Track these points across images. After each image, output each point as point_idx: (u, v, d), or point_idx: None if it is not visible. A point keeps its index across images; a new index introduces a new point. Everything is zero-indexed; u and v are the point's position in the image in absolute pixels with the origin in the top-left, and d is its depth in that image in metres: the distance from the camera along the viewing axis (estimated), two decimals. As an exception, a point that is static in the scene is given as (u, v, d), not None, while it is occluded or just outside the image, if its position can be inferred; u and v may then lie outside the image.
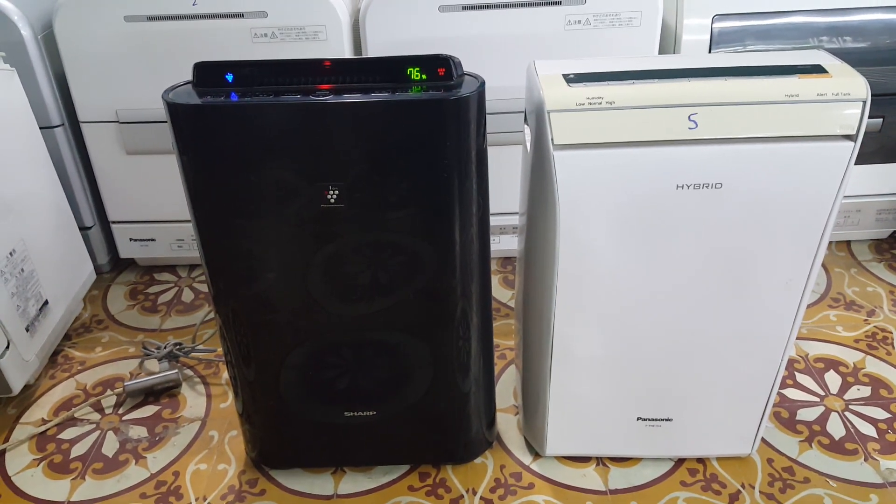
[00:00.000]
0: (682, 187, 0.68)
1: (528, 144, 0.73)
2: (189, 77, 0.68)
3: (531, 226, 0.77)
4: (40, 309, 1.01)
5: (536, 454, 0.91)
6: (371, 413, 0.83)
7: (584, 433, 0.87)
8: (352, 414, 0.83)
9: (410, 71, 0.67)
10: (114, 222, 1.24)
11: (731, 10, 1.06)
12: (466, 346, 0.80)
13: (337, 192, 0.66)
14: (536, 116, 0.68)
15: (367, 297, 0.75)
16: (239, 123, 0.65)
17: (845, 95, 0.66)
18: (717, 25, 1.06)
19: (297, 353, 0.79)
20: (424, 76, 0.67)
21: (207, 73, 0.67)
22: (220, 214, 0.70)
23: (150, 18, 1.06)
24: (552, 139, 0.66)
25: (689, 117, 0.65)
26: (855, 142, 0.66)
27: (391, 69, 0.67)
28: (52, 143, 1.13)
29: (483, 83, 0.66)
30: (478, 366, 0.83)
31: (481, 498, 0.85)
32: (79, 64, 1.10)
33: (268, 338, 0.78)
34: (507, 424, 0.95)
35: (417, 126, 0.65)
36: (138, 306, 1.22)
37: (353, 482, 0.87)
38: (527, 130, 0.75)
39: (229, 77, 0.67)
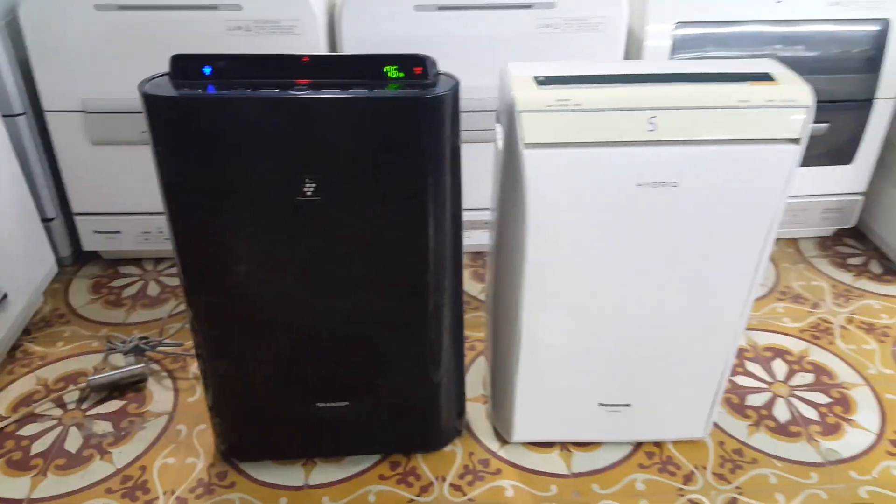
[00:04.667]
0: (642, 185, 0.72)
1: (500, 142, 0.76)
2: (164, 69, 0.69)
3: (502, 221, 0.80)
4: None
5: (504, 441, 0.94)
6: (343, 404, 0.85)
7: (549, 420, 0.91)
8: (324, 405, 0.85)
9: (387, 69, 0.69)
10: (77, 214, 1.22)
11: (692, 19, 1.11)
12: (438, 338, 0.83)
13: (314, 185, 0.68)
14: (508, 116, 0.71)
15: (342, 290, 0.77)
16: (216, 116, 0.66)
17: (791, 102, 0.71)
18: (679, 32, 1.11)
19: (269, 345, 0.81)
20: (401, 74, 0.69)
21: (185, 66, 0.69)
22: (194, 207, 0.71)
23: (122, 7, 1.05)
24: (523, 138, 0.70)
25: (649, 120, 0.69)
26: (799, 145, 0.71)
27: (368, 66, 0.69)
28: (14, 131, 1.11)
29: (458, 83, 0.69)
30: (449, 357, 0.86)
31: (451, 484, 0.88)
32: (44, 52, 1.08)
33: (240, 330, 0.80)
34: (477, 413, 0.98)
35: (394, 123, 0.67)
36: (102, 300, 1.21)
37: (323, 473, 0.89)
38: (498, 129, 0.78)
39: (207, 70, 0.68)
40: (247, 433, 0.88)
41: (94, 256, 1.31)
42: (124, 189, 1.20)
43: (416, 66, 0.69)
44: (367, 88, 0.67)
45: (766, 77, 0.73)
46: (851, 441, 0.95)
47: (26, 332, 1.12)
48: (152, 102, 0.65)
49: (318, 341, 0.81)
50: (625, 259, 0.77)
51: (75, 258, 1.30)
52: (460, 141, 0.72)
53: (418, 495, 0.86)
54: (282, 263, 0.74)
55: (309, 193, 0.69)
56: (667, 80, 0.71)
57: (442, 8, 1.07)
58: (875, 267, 1.32)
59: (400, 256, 0.75)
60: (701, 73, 0.73)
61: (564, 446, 0.93)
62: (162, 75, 0.69)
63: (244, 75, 0.68)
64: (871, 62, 1.17)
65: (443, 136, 0.69)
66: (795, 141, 0.72)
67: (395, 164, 0.69)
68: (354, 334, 0.81)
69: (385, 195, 0.70)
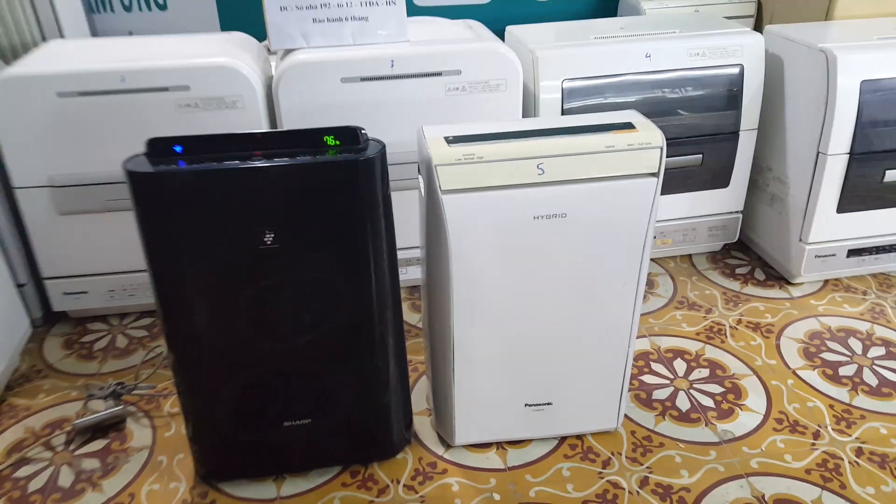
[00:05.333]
0: (538, 217, 0.90)
1: (422, 190, 0.93)
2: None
3: (430, 255, 0.97)
4: (-14, 362, 1.10)
5: (448, 445, 1.08)
6: (307, 421, 0.98)
7: (485, 423, 1.06)
8: (290, 423, 0.98)
9: (326, 138, 0.85)
10: (47, 278, 1.33)
11: (576, 75, 1.32)
12: (385, 364, 0.98)
13: (272, 234, 0.83)
14: (426, 169, 0.88)
15: (300, 327, 0.91)
16: (189, 185, 0.81)
17: (648, 144, 0.90)
18: (567, 85, 1.32)
19: (239, 379, 0.94)
20: (337, 142, 0.86)
21: (159, 146, 0.83)
22: (173, 262, 0.85)
23: (82, 94, 1.18)
24: (440, 186, 0.87)
25: (537, 166, 0.87)
26: (658, 177, 0.91)
27: (311, 137, 0.85)
28: (-13, 208, 1.23)
29: (384, 146, 0.86)
30: (396, 379, 1.01)
31: (404, 486, 1.02)
32: (13, 136, 1.20)
33: (213, 368, 0.93)
34: (422, 424, 1.13)
35: (335, 181, 0.83)
36: (75, 354, 1.31)
37: (292, 485, 1.02)
38: (420, 179, 0.95)
39: (178, 148, 0.83)
40: (223, 456, 1.00)
41: (62, 316, 1.41)
42: (90, 252, 1.31)
43: (350, 135, 0.86)
44: (311, 155, 0.83)
45: (628, 125, 0.93)
46: (743, 422, 1.13)
47: (8, 388, 1.22)
48: (134, 178, 0.79)
49: (282, 373, 0.95)
50: (531, 279, 0.94)
51: (45, 319, 1.40)
52: (390, 191, 0.88)
53: (377, 497, 1.00)
54: (248, 305, 0.88)
55: (269, 242, 0.84)
56: (550, 133, 0.90)
57: (364, 79, 1.24)
58: (759, 274, 1.53)
59: (347, 293, 0.90)
60: (576, 126, 0.92)
61: (500, 445, 1.08)
62: (139, 155, 0.83)
63: (209, 151, 0.83)
64: (733, 100, 1.40)
65: (376, 189, 0.85)
66: (654, 174, 0.91)
67: (338, 214, 0.85)
68: (312, 364, 0.95)
69: (332, 240, 0.86)
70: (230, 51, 1.25)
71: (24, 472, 1.05)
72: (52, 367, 1.28)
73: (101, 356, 1.31)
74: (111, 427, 1.12)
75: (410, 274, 1.42)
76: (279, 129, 0.86)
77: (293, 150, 0.84)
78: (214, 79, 1.20)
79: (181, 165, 0.81)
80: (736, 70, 1.38)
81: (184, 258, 0.84)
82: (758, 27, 1.76)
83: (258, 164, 0.81)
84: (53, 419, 1.15)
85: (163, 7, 1.77)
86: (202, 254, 0.84)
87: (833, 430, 1.10)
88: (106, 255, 1.32)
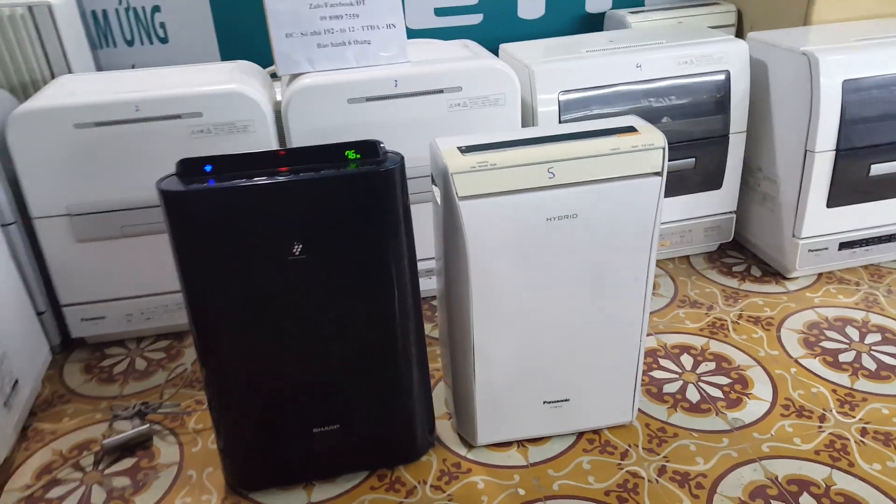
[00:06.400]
0: (551, 219, 0.94)
1: (438, 199, 0.98)
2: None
3: (447, 262, 1.01)
4: (13, 387, 1.12)
5: (470, 446, 1.12)
6: (335, 427, 1.01)
7: (505, 422, 1.09)
8: (319, 430, 1.01)
9: (348, 153, 0.90)
10: (65, 305, 1.35)
11: (572, 87, 1.38)
12: (409, 370, 1.01)
13: (301, 245, 0.87)
14: (443, 178, 0.93)
15: (327, 337, 0.94)
16: (219, 202, 0.85)
17: (650, 145, 0.95)
18: (563, 98, 1.38)
19: (269, 391, 0.97)
20: (358, 156, 0.90)
21: (188, 166, 0.87)
22: (206, 279, 0.88)
23: (98, 124, 1.22)
24: (457, 193, 0.91)
25: (548, 170, 0.92)
26: (661, 176, 0.96)
27: (333, 152, 0.90)
28: (8, 239, 1.25)
29: (402, 157, 0.90)
30: (419, 384, 1.04)
31: (431, 486, 1.05)
32: (31, 168, 1.23)
33: (244, 381, 0.96)
34: (443, 428, 1.16)
35: (358, 193, 0.88)
36: (95, 378, 1.33)
37: (322, 491, 1.04)
38: (435, 190, 0.99)
39: (207, 168, 0.87)
40: (254, 466, 1.03)
41: (80, 342, 1.43)
42: (107, 278, 1.34)
43: (369, 149, 0.90)
44: (335, 169, 0.88)
45: (630, 129, 0.98)
46: (752, 410, 1.17)
47: (32, 413, 1.24)
48: (168, 197, 0.83)
49: (310, 382, 0.98)
50: (546, 279, 0.99)
51: (63, 346, 1.42)
52: (409, 201, 0.93)
53: (406, 498, 1.03)
54: (278, 316, 0.92)
55: (297, 253, 0.88)
56: (557, 139, 0.95)
57: (370, 99, 1.29)
58: (755, 271, 1.59)
59: (372, 302, 0.94)
60: (582, 132, 0.97)
61: (520, 443, 1.12)
62: (170, 175, 0.87)
63: (237, 168, 0.87)
64: (721, 105, 1.46)
65: (397, 199, 0.90)
66: (658, 173, 0.96)
67: (362, 223, 0.89)
68: (339, 373, 0.98)
69: (357, 248, 0.90)
70: (239, 77, 1.30)
71: (55, 492, 1.06)
72: (74, 391, 1.30)
73: (121, 379, 1.33)
74: (138, 446, 1.14)
75: (423, 285, 1.45)
76: (301, 146, 0.90)
77: (316, 164, 0.88)
78: (226, 105, 1.24)
79: (211, 184, 0.85)
80: (723, 76, 1.44)
81: (216, 273, 0.88)
82: (739, 35, 1.84)
83: (285, 178, 0.85)
84: (80, 441, 1.17)
85: (164, 40, 1.82)
86: (234, 268, 0.87)
87: (837, 412, 1.15)
88: (123, 280, 1.35)
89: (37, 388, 1.27)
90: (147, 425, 1.15)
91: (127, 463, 1.11)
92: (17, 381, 1.13)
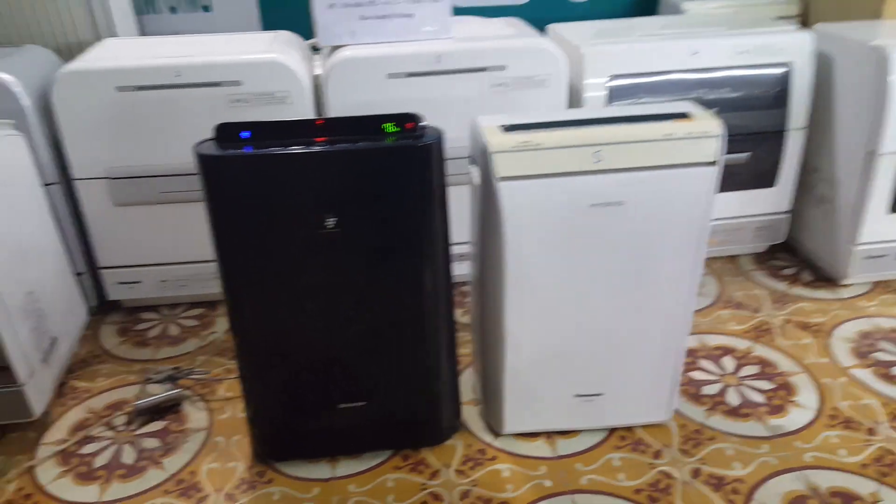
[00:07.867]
0: (595, 205, 0.90)
1: (476, 179, 0.95)
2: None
3: (483, 245, 0.98)
4: (51, 344, 1.14)
5: (496, 434, 1.09)
6: (362, 403, 1.00)
7: (534, 412, 1.06)
8: (345, 405, 1.00)
9: (385, 125, 0.87)
10: (102, 268, 1.37)
11: (623, 71, 1.32)
12: (438, 351, 0.99)
13: (335, 219, 0.85)
14: (483, 157, 0.90)
15: (358, 312, 0.93)
16: (255, 169, 0.83)
17: (705, 133, 0.90)
18: (613, 83, 1.33)
19: (299, 363, 0.96)
20: (397, 129, 0.87)
21: (226, 131, 0.86)
22: (239, 245, 0.87)
23: (139, 88, 1.22)
24: (496, 173, 0.88)
25: (594, 153, 0.88)
26: (716, 166, 0.91)
27: (370, 124, 0.87)
28: (49, 199, 1.27)
29: (441, 133, 0.87)
30: (447, 367, 1.02)
31: (456, 470, 1.03)
32: (74, 129, 1.24)
33: (275, 352, 0.95)
34: (469, 414, 1.14)
35: (394, 167, 0.85)
36: (130, 341, 1.35)
37: (346, 466, 1.04)
38: (473, 169, 0.96)
39: (245, 134, 0.86)
40: (281, 437, 1.02)
41: (115, 305, 1.45)
42: (144, 243, 1.35)
43: (408, 122, 0.88)
44: (371, 141, 0.85)
45: (684, 115, 0.93)
46: (795, 418, 1.11)
47: (69, 371, 1.26)
48: (204, 160, 0.82)
49: (339, 356, 0.97)
50: (586, 268, 0.95)
51: (99, 308, 1.44)
52: (446, 180, 0.90)
53: (429, 479, 1.01)
54: (308, 288, 0.90)
55: (330, 226, 0.86)
56: (606, 122, 0.91)
57: (410, 75, 1.26)
58: (806, 276, 1.51)
59: (404, 279, 0.92)
60: (633, 115, 0.93)
61: (548, 435, 1.09)
62: (208, 140, 0.86)
63: (274, 136, 0.86)
64: (780, 99, 1.39)
65: (433, 176, 0.87)
66: (712, 163, 0.91)
67: (397, 198, 0.86)
68: (369, 349, 0.96)
69: (391, 223, 0.88)
70: (279, 48, 1.28)
71: (88, 449, 1.08)
72: (109, 352, 1.32)
73: (154, 343, 1.34)
74: (169, 409, 1.15)
75: (454, 270, 1.43)
76: (339, 116, 0.87)
77: (353, 136, 0.86)
78: (265, 74, 1.23)
79: (248, 150, 0.84)
80: (784, 68, 1.37)
81: (249, 240, 0.86)
82: (803, 26, 1.75)
83: (321, 149, 0.83)
84: (113, 401, 1.19)
85: (207, 8, 1.82)
86: (267, 236, 0.86)
87: (890, 427, 1.08)
88: (159, 245, 1.36)
89: (74, 347, 1.29)
90: (178, 390, 1.16)
91: (157, 425, 1.13)
92: (55, 339, 1.15)
